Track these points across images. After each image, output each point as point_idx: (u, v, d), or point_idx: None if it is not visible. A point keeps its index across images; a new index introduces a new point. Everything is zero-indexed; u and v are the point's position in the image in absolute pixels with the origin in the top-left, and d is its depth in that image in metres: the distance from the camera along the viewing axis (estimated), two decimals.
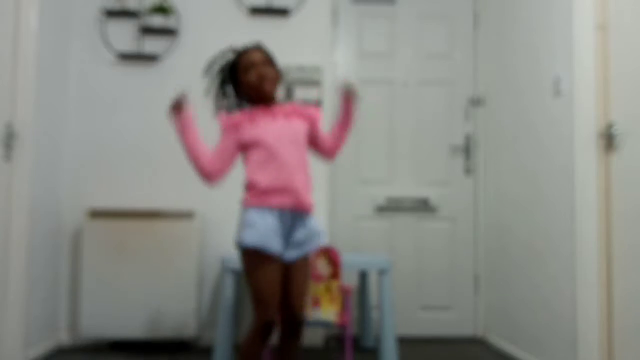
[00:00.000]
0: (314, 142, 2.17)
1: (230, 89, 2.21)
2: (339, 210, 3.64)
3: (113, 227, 3.16)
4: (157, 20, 3.38)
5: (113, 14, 3.41)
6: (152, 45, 3.44)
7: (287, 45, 3.46)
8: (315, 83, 3.42)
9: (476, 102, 3.80)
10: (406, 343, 3.43)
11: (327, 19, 3.61)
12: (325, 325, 3.00)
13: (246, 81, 2.11)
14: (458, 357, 3.23)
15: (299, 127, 2.10)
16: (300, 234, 2.02)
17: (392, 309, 2.92)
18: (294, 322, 2.05)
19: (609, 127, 2.52)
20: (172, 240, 3.18)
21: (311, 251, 2.08)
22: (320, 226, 2.13)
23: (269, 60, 2.14)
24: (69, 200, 3.36)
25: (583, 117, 2.61)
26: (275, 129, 2.05)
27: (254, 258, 1.97)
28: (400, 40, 3.82)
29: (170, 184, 3.41)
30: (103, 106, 3.43)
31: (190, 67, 3.45)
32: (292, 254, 2.02)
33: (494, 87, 3.66)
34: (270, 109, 2.10)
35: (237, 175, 3.39)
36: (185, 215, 3.22)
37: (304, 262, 2.07)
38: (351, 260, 2.97)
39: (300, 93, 3.41)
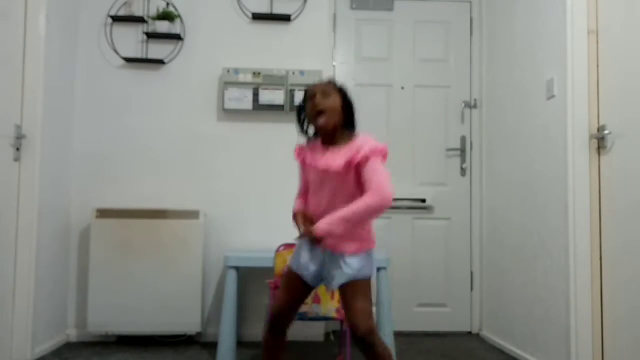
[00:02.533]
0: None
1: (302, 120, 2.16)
2: None
3: (119, 226, 3.24)
4: (162, 26, 3.46)
5: (119, 19, 3.50)
6: (157, 49, 3.53)
7: (288, 50, 3.56)
8: None
9: (471, 104, 3.89)
10: (403, 338, 3.52)
11: (327, 24, 3.70)
12: (325, 320, 3.08)
13: (307, 112, 2.08)
14: (453, 352, 3.31)
15: (342, 171, 1.98)
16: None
17: (389, 304, 3.00)
18: (358, 341, 1.99)
19: (600, 129, 2.58)
20: (176, 239, 3.26)
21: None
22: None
23: (330, 91, 2.04)
24: (77, 199, 3.44)
25: (575, 119, 2.67)
26: (321, 168, 2.02)
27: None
28: (398, 45, 3.91)
29: (175, 184, 3.49)
30: (109, 109, 3.51)
31: (194, 71, 3.55)
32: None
33: (489, 90, 3.75)
34: (327, 147, 2.04)
35: (238, 176, 3.51)
36: (190, 214, 3.29)
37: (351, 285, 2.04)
38: None
39: (301, 96, 3.47)
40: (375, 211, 1.93)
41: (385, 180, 1.93)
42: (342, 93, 2.07)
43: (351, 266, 2.00)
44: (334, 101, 2.03)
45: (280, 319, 2.10)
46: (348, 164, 1.96)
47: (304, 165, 2.14)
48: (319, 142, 2.09)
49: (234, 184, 3.52)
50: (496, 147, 3.60)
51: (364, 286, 2.01)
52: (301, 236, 2.02)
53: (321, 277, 2.09)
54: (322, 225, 1.93)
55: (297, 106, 2.17)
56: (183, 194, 3.47)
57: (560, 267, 2.74)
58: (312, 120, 2.05)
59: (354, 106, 2.09)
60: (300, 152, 2.15)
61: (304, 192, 2.16)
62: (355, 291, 1.99)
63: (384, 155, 1.99)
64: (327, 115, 2.00)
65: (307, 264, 2.07)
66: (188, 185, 3.49)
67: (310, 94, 2.05)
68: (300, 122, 2.16)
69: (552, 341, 2.82)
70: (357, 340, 1.97)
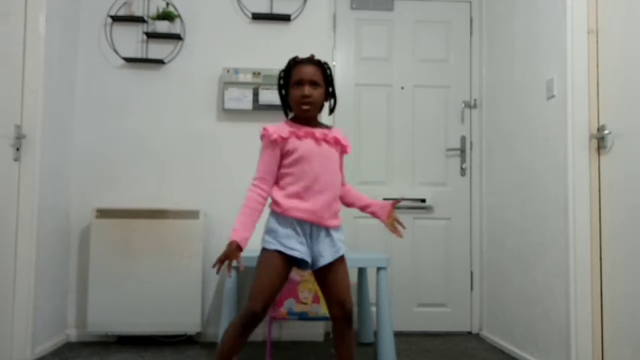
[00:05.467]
0: None
1: (282, 95, 2.19)
2: None
3: (119, 226, 3.24)
4: (162, 26, 3.46)
5: (119, 19, 3.50)
6: (157, 50, 3.53)
7: (288, 50, 3.55)
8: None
9: (471, 105, 3.89)
10: (403, 338, 3.53)
11: (327, 24, 3.70)
12: (325, 320, 3.09)
13: (291, 95, 2.12)
14: (453, 352, 3.31)
15: (337, 155, 2.17)
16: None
17: (389, 304, 3.00)
18: (345, 317, 2.09)
19: (600, 129, 2.58)
20: (177, 239, 3.26)
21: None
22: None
23: (319, 80, 2.12)
24: (77, 199, 3.44)
25: (575, 119, 2.66)
26: (319, 152, 2.10)
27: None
28: (398, 45, 3.91)
29: (175, 184, 3.49)
30: (109, 109, 3.51)
31: (194, 71, 3.55)
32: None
33: (489, 90, 3.75)
34: (312, 131, 2.10)
35: (239, 176, 3.51)
36: (190, 214, 3.29)
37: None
38: (350, 258, 3.01)
39: None
40: None
41: None
42: (328, 80, 2.16)
43: (340, 240, 2.12)
44: (321, 93, 2.13)
45: (261, 314, 2.01)
46: (342, 146, 2.17)
47: (284, 141, 2.07)
48: (294, 122, 2.14)
49: (234, 184, 3.52)
50: (496, 147, 3.60)
51: (344, 260, 2.14)
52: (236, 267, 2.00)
53: (311, 257, 2.10)
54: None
55: (278, 84, 2.18)
56: (183, 194, 3.48)
57: (560, 267, 2.74)
58: (297, 106, 2.11)
59: (334, 90, 2.21)
60: (278, 129, 2.09)
61: (269, 183, 2.10)
62: (343, 265, 2.12)
63: None
64: (312, 107, 2.10)
65: (297, 244, 2.05)
66: (188, 185, 3.50)
67: (298, 77, 2.09)
68: (284, 100, 2.19)
69: (552, 341, 2.82)
70: (344, 316, 2.08)
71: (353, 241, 3.74)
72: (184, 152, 3.53)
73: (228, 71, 3.47)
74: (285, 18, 3.57)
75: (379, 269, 2.99)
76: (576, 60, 2.69)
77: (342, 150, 2.19)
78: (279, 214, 2.07)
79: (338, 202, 2.17)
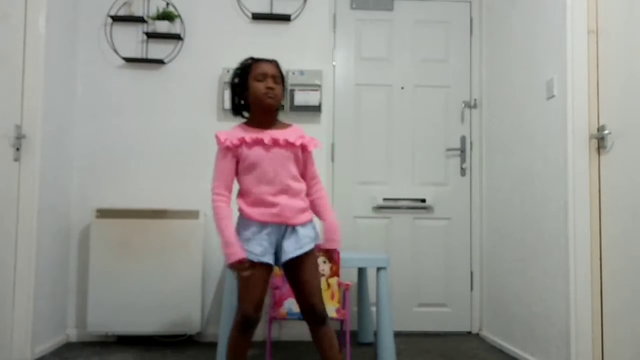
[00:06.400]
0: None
1: (237, 92, 2.22)
2: (339, 210, 3.71)
3: (120, 226, 3.24)
4: (162, 26, 3.46)
5: (119, 19, 3.50)
6: (157, 49, 3.53)
7: (288, 50, 3.56)
8: (315, 87, 3.51)
9: (471, 104, 3.89)
10: (403, 338, 3.53)
11: (328, 24, 3.70)
12: None
13: (253, 89, 2.14)
14: (453, 352, 3.31)
15: (291, 157, 2.16)
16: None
17: (389, 304, 3.00)
18: (315, 320, 2.14)
19: (600, 129, 2.58)
20: (177, 239, 3.26)
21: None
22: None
23: (279, 77, 2.17)
24: (77, 199, 3.44)
25: (575, 119, 2.66)
26: (271, 157, 2.12)
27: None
28: (398, 45, 3.91)
29: (175, 184, 3.49)
30: (109, 109, 3.51)
31: (194, 71, 3.55)
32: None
33: (489, 90, 3.75)
34: (261, 138, 2.11)
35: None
36: (190, 214, 3.29)
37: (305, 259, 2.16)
38: (350, 258, 3.04)
39: (301, 97, 3.49)
40: None
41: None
42: (283, 82, 2.21)
43: (307, 236, 2.14)
44: (281, 90, 2.19)
45: (255, 317, 2.08)
46: (303, 145, 2.17)
47: (236, 148, 2.12)
48: (248, 126, 2.17)
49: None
50: (496, 147, 3.60)
51: (315, 258, 2.17)
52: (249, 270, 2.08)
53: (277, 256, 2.14)
54: (338, 242, 2.22)
55: (232, 82, 2.21)
56: (183, 194, 3.47)
57: (560, 267, 2.74)
58: (261, 99, 2.12)
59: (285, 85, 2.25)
60: (229, 135, 2.14)
61: (229, 189, 2.18)
62: (310, 262, 2.14)
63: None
64: (275, 101, 2.15)
65: (265, 250, 2.09)
66: (188, 185, 3.49)
67: (260, 73, 2.13)
68: (236, 100, 2.22)
69: (552, 341, 2.82)
70: (314, 320, 2.12)
71: (353, 241, 3.74)
72: (184, 152, 3.53)
73: (228, 71, 3.47)
74: (285, 18, 3.57)
75: (379, 269, 2.99)
76: (576, 61, 2.69)
77: (302, 148, 2.18)
78: (241, 218, 2.15)
79: (301, 200, 2.17)
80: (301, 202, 2.16)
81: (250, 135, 2.11)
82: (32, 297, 2.90)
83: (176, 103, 3.54)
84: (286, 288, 2.98)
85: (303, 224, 2.14)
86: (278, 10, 3.58)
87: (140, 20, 3.49)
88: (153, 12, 3.51)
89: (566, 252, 2.68)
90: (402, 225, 3.81)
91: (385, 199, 3.80)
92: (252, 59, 2.20)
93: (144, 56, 3.52)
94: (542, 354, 2.91)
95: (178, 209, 3.30)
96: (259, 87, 2.12)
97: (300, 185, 2.18)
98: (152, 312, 3.22)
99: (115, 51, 3.51)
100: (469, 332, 3.80)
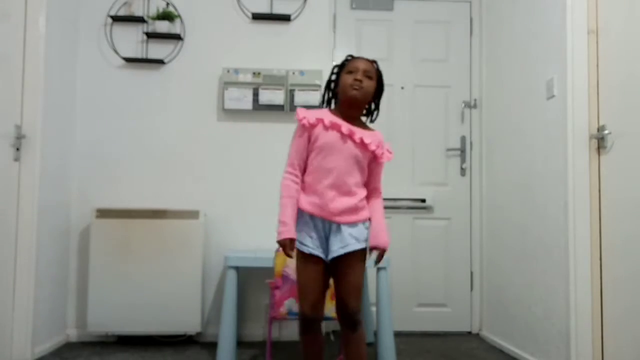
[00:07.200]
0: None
1: (329, 86, 2.20)
2: None
3: (119, 226, 3.24)
4: (162, 26, 3.47)
5: (119, 19, 3.50)
6: (157, 49, 3.53)
7: (288, 50, 3.57)
8: (315, 87, 3.51)
9: (471, 104, 3.89)
10: (403, 338, 3.53)
11: (328, 24, 3.70)
12: (325, 320, 3.08)
13: (341, 81, 2.11)
14: (453, 352, 3.31)
15: (359, 157, 2.09)
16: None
17: (389, 304, 3.00)
18: (345, 317, 2.11)
19: (600, 129, 2.58)
20: (176, 239, 3.26)
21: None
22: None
23: (372, 74, 2.11)
24: (77, 199, 3.44)
25: (575, 119, 2.67)
26: (340, 148, 2.06)
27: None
28: (398, 45, 3.91)
29: (175, 184, 3.49)
30: (109, 109, 3.51)
31: (194, 71, 3.55)
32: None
33: (489, 90, 3.76)
34: (340, 124, 2.06)
35: (238, 176, 3.51)
36: (190, 214, 3.29)
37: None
38: None
39: (301, 97, 3.49)
40: None
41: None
42: (379, 82, 2.15)
43: (352, 236, 2.06)
44: (372, 86, 2.11)
45: (313, 317, 2.06)
46: (375, 153, 2.10)
47: (312, 127, 2.07)
48: (332, 113, 2.12)
49: (234, 184, 3.53)
50: (496, 147, 3.60)
51: (360, 259, 2.08)
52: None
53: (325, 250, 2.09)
54: (386, 243, 2.13)
55: (329, 79, 2.20)
56: (183, 194, 3.47)
57: (560, 267, 2.74)
58: (346, 89, 2.09)
59: (381, 95, 2.19)
60: (308, 114, 2.08)
61: (300, 168, 2.10)
62: (354, 263, 2.06)
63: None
64: (361, 94, 2.08)
65: (314, 243, 2.06)
66: (188, 185, 3.50)
67: (353, 67, 2.10)
68: (327, 92, 2.20)
69: (552, 341, 2.82)
70: (344, 317, 2.08)
71: None
72: (184, 152, 3.53)
73: (228, 71, 3.47)
74: (285, 18, 3.57)
75: (379, 269, 2.99)
76: (576, 60, 2.69)
77: (374, 157, 2.12)
78: (298, 207, 2.10)
79: (356, 200, 2.08)
80: (352, 201, 2.07)
81: (330, 119, 2.07)
82: (32, 297, 2.90)
83: (176, 103, 3.54)
84: (286, 288, 2.98)
85: (350, 224, 2.06)
86: (278, 10, 3.58)
87: (140, 20, 3.49)
88: (153, 12, 3.51)
89: (566, 252, 2.68)
90: (402, 225, 3.81)
91: (385, 199, 3.79)
92: (351, 56, 2.16)
93: (144, 56, 3.52)
94: (542, 354, 2.91)
95: (178, 209, 3.30)
96: (347, 78, 2.08)
97: (358, 186, 2.10)
98: (152, 312, 3.22)
99: (115, 51, 3.51)
100: (469, 332, 3.81)
